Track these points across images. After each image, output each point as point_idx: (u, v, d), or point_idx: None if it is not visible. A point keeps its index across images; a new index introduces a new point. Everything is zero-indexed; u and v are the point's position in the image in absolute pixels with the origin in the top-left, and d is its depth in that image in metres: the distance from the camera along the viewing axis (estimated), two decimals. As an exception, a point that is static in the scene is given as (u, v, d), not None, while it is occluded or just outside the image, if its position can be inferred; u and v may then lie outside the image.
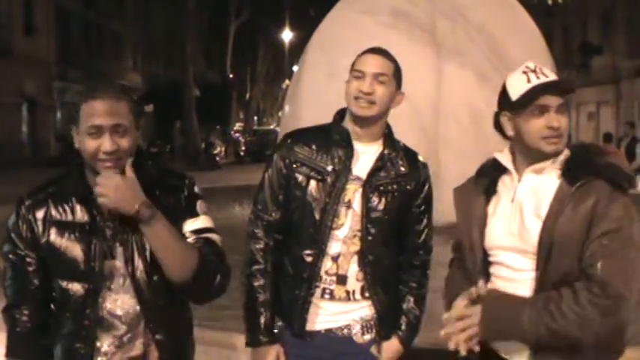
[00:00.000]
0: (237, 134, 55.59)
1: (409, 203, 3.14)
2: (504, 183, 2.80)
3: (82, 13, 44.98)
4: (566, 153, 2.69)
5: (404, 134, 10.62)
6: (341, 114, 3.15)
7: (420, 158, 3.22)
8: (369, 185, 3.04)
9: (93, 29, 46.63)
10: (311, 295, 3.02)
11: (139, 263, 2.69)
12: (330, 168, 3.02)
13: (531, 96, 2.62)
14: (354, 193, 3.02)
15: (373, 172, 3.05)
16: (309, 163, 3.05)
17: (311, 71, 10.87)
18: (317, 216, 3.00)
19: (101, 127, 2.58)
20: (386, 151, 3.08)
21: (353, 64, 3.08)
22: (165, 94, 44.60)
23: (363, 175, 3.04)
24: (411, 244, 3.19)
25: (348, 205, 3.02)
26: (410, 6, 10.89)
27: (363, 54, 3.10)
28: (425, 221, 3.22)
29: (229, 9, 47.69)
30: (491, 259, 2.80)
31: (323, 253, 3.00)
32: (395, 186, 3.07)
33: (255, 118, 68.88)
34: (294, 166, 3.06)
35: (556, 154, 2.66)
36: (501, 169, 2.80)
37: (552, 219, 2.56)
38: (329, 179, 3.01)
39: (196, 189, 2.88)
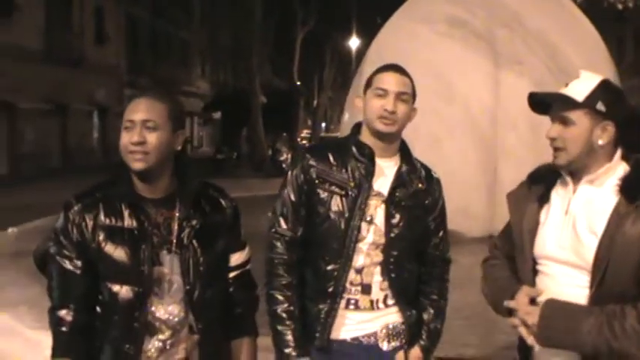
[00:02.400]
0: (304, 141, 55.69)
1: (426, 217, 3.19)
2: (558, 192, 2.77)
3: (150, 22, 45.73)
4: (625, 167, 2.65)
5: (462, 144, 10.71)
6: (358, 127, 3.19)
7: (434, 174, 3.26)
8: (391, 202, 3.07)
9: (161, 37, 47.36)
10: (335, 310, 3.05)
11: (194, 277, 2.81)
12: (352, 183, 3.04)
13: None
14: (375, 209, 3.06)
15: (394, 189, 3.08)
16: (330, 179, 3.07)
17: (369, 80, 10.89)
18: (342, 231, 3.02)
19: (133, 121, 2.74)
20: (404, 168, 3.13)
21: (371, 80, 3.11)
22: (232, 101, 45.02)
23: (384, 191, 3.08)
24: (429, 257, 3.24)
25: (370, 221, 3.05)
26: (467, 14, 10.86)
27: (382, 71, 3.11)
28: (441, 234, 3.26)
29: (296, 17, 47.84)
30: (539, 268, 2.78)
31: (348, 267, 3.03)
32: (414, 201, 3.11)
33: (323, 125, 68.93)
34: (317, 182, 3.07)
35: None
36: (556, 176, 2.78)
37: (609, 237, 2.52)
38: (351, 194, 3.03)
39: (239, 212, 3.06)
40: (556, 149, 2.68)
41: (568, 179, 2.72)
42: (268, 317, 3.10)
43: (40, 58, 32.38)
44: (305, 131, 62.34)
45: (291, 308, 3.06)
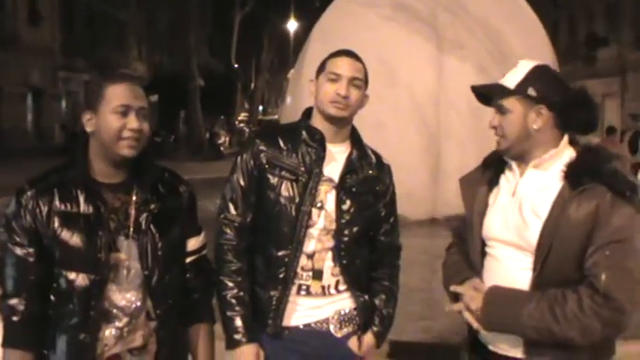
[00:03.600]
0: (241, 124, 55.52)
1: (377, 204, 3.19)
2: (507, 176, 2.84)
3: (86, 2, 44.94)
4: (571, 154, 2.72)
5: (405, 127, 10.79)
6: (308, 112, 3.17)
7: (385, 161, 3.26)
8: (342, 188, 3.07)
9: (97, 18, 46.58)
10: (287, 296, 3.03)
11: (153, 262, 2.77)
12: (302, 168, 3.03)
13: None
14: (326, 194, 3.05)
15: (345, 175, 3.08)
16: (280, 164, 3.05)
17: (312, 63, 10.83)
18: (292, 216, 3.00)
19: (129, 106, 2.69)
20: (354, 154, 3.13)
21: (324, 65, 3.10)
22: (169, 83, 44.55)
23: (335, 177, 3.07)
24: (379, 243, 3.25)
25: (321, 206, 3.04)
26: (411, -1, 10.91)
27: (336, 56, 3.10)
28: (392, 220, 3.26)
29: (234, -1, 47.61)
30: (487, 250, 2.85)
31: (299, 253, 3.02)
32: (365, 188, 3.11)
33: (260, 108, 68.82)
34: (266, 167, 3.05)
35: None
36: (506, 162, 2.85)
37: (553, 221, 2.60)
38: (302, 179, 3.02)
39: (195, 197, 3.04)
40: (498, 137, 2.78)
41: (513, 165, 2.80)
42: (217, 303, 3.07)
43: (-29, 39, 31.65)
44: (243, 114, 62.17)
45: (241, 294, 3.03)
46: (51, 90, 40.14)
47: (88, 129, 2.73)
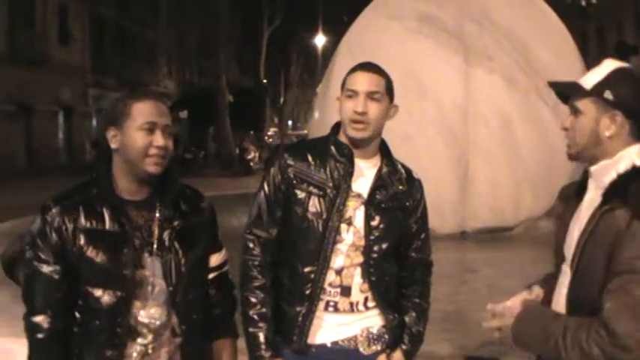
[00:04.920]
0: (270, 139, 55.72)
1: (407, 220, 3.12)
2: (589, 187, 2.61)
3: (116, 21, 45.42)
4: (619, 170, 2.45)
5: (433, 140, 10.73)
6: (337, 127, 3.09)
7: (415, 175, 3.18)
8: (371, 204, 3.00)
9: (127, 37, 47.07)
10: (313, 312, 2.99)
11: (177, 279, 2.77)
12: (330, 184, 2.98)
13: None
14: (354, 210, 2.99)
15: (374, 191, 3.01)
16: (308, 179, 3.00)
17: (339, 77, 10.78)
18: (319, 232, 2.96)
19: (155, 123, 2.69)
20: (384, 169, 3.06)
21: (344, 82, 3.02)
22: (198, 100, 44.86)
23: (364, 193, 3.01)
24: (410, 260, 3.19)
25: (349, 222, 2.99)
26: (437, 11, 10.89)
27: (353, 71, 3.02)
28: (422, 236, 3.20)
29: (262, 15, 47.87)
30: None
31: (326, 269, 2.97)
32: (395, 204, 3.05)
33: (290, 122, 69.03)
34: (294, 182, 3.01)
35: None
36: None
37: (582, 238, 2.43)
38: (330, 195, 2.97)
39: (215, 213, 3.04)
40: (568, 140, 2.57)
41: (590, 173, 2.58)
42: (241, 319, 3.05)
43: (2, 59, 32.05)
44: (272, 129, 62.42)
45: (264, 310, 3.00)
46: (81, 108, 40.53)
47: (113, 145, 2.72)
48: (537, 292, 2.79)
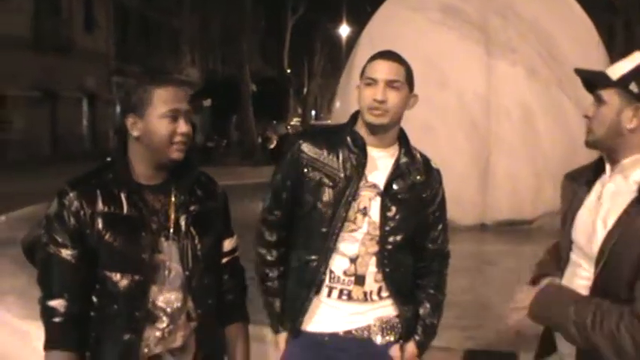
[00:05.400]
0: (294, 129, 55.73)
1: (425, 210, 3.11)
2: (602, 178, 2.65)
3: (140, 9, 45.58)
4: None
5: (454, 132, 10.68)
6: (355, 116, 3.10)
7: (433, 164, 3.16)
8: (388, 194, 2.99)
9: (151, 25, 47.21)
10: (310, 300, 3.02)
11: (193, 263, 2.79)
12: (342, 174, 2.98)
13: None
14: (370, 201, 2.99)
15: (391, 181, 3.00)
16: (320, 168, 3.01)
17: (360, 67, 10.77)
18: (326, 223, 2.97)
19: (179, 110, 2.70)
20: (402, 159, 3.04)
21: (364, 70, 3.00)
22: (222, 89, 44.92)
23: (380, 183, 3.00)
24: (427, 251, 3.17)
25: (364, 212, 2.99)
26: (460, 2, 10.82)
27: (373, 59, 2.99)
28: (440, 227, 3.18)
29: (286, 4, 47.84)
30: (571, 253, 2.71)
31: (329, 259, 3.00)
32: (412, 194, 3.04)
33: (313, 112, 68.97)
34: (305, 170, 3.02)
35: None
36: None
37: (615, 234, 2.43)
38: (340, 185, 2.97)
39: (227, 199, 3.08)
40: (587, 128, 2.60)
41: (607, 167, 2.62)
42: (262, 296, 3.18)
43: (28, 45, 32.24)
44: (295, 119, 62.38)
45: (276, 285, 3.15)
46: (105, 95, 40.71)
47: (135, 133, 2.72)
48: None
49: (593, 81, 2.60)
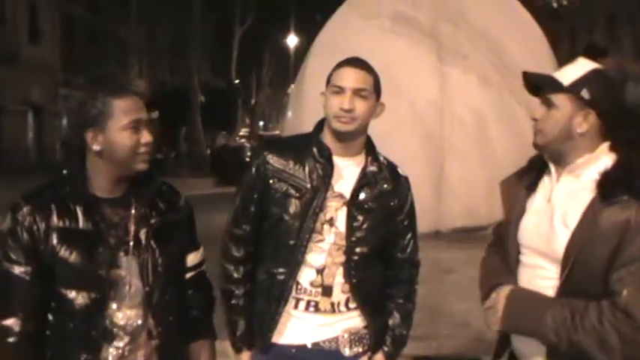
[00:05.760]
0: (242, 140, 55.54)
1: (393, 219, 3.06)
2: (544, 181, 2.74)
3: (87, 20, 45.07)
4: (608, 162, 2.58)
5: (408, 139, 10.73)
6: (321, 124, 3.05)
7: (400, 171, 3.13)
8: (354, 204, 2.94)
9: (98, 36, 46.70)
10: (279, 314, 2.95)
11: (154, 279, 2.69)
12: (308, 185, 2.92)
13: None
14: (336, 211, 2.94)
15: (357, 191, 2.95)
16: (286, 179, 2.95)
17: (313, 76, 10.83)
18: (293, 235, 2.91)
19: (141, 120, 2.63)
20: (369, 168, 3.00)
21: (330, 77, 2.96)
22: (170, 100, 44.59)
23: (346, 193, 2.95)
24: (396, 260, 3.13)
25: (331, 223, 2.93)
26: (412, 10, 10.91)
27: (340, 67, 2.95)
28: (409, 235, 3.14)
29: (234, 15, 47.74)
30: (521, 256, 2.76)
31: (297, 272, 2.92)
32: (379, 203, 2.99)
33: (261, 123, 68.90)
34: (271, 181, 2.96)
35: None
36: (547, 166, 2.74)
37: (580, 232, 2.50)
38: (307, 196, 2.92)
39: (192, 211, 2.98)
40: (535, 130, 2.67)
41: (552, 169, 2.69)
42: (224, 314, 3.08)
43: (-29, 57, 31.72)
44: (244, 130, 62.23)
45: (240, 304, 3.04)
46: (51, 107, 40.15)
47: (96, 147, 2.61)
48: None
49: (544, 85, 2.68)
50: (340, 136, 2.93)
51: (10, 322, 2.58)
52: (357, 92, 2.87)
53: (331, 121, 2.90)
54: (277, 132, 57.59)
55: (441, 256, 9.67)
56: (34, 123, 39.62)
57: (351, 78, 2.88)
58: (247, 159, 34.60)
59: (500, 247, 2.91)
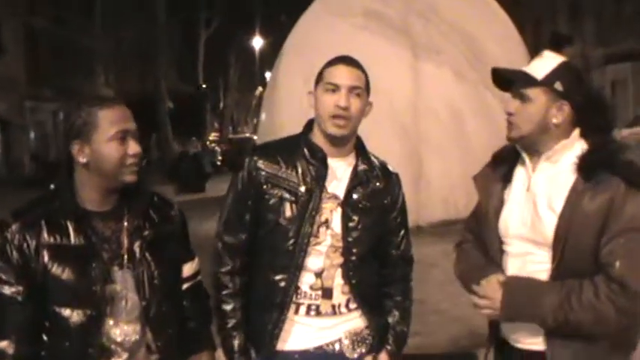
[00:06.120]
0: (212, 144, 55.37)
1: (387, 216, 3.03)
2: (519, 170, 2.81)
3: (50, 31, 44.66)
4: (583, 145, 2.68)
5: (385, 136, 10.68)
6: (309, 125, 2.99)
7: (391, 168, 3.09)
8: (348, 204, 2.90)
9: (63, 47, 46.29)
10: (282, 321, 2.88)
11: (150, 292, 2.62)
12: (302, 188, 2.86)
13: None
14: (331, 212, 2.89)
15: (351, 191, 2.91)
16: (280, 184, 2.88)
17: (286, 76, 10.80)
18: (292, 240, 2.85)
19: (128, 130, 2.57)
20: (360, 167, 2.95)
21: (322, 75, 2.90)
22: (139, 108, 44.27)
23: (340, 193, 2.90)
24: (391, 257, 3.10)
25: (327, 225, 2.88)
26: (383, 7, 10.91)
27: (334, 64, 2.89)
28: (402, 232, 3.11)
29: (200, 18, 47.62)
30: (505, 247, 2.81)
31: (297, 278, 2.87)
32: (373, 202, 2.96)
33: (230, 127, 68.80)
34: (264, 187, 2.89)
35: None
36: (518, 155, 2.82)
37: (567, 214, 2.58)
38: (302, 199, 2.86)
39: (186, 221, 2.91)
40: (510, 124, 2.75)
41: (526, 159, 2.77)
42: (216, 327, 2.98)
43: None
44: (213, 134, 62.12)
45: (235, 319, 2.94)
46: (18, 121, 39.78)
47: (82, 160, 2.54)
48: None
49: (517, 80, 2.75)
50: (334, 140, 2.88)
51: (3, 345, 2.50)
52: (352, 90, 2.83)
53: (326, 123, 2.84)
54: (247, 134, 57.57)
55: (423, 250, 9.69)
56: (1, 137, 39.24)
57: (346, 76, 2.84)
58: (211, 165, 34.73)
59: (477, 240, 2.98)
